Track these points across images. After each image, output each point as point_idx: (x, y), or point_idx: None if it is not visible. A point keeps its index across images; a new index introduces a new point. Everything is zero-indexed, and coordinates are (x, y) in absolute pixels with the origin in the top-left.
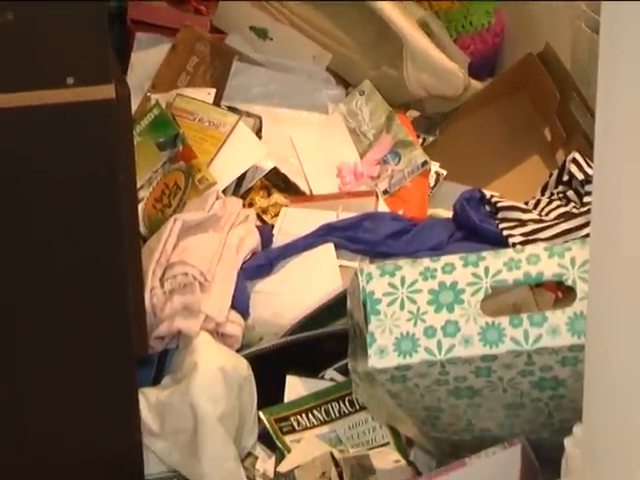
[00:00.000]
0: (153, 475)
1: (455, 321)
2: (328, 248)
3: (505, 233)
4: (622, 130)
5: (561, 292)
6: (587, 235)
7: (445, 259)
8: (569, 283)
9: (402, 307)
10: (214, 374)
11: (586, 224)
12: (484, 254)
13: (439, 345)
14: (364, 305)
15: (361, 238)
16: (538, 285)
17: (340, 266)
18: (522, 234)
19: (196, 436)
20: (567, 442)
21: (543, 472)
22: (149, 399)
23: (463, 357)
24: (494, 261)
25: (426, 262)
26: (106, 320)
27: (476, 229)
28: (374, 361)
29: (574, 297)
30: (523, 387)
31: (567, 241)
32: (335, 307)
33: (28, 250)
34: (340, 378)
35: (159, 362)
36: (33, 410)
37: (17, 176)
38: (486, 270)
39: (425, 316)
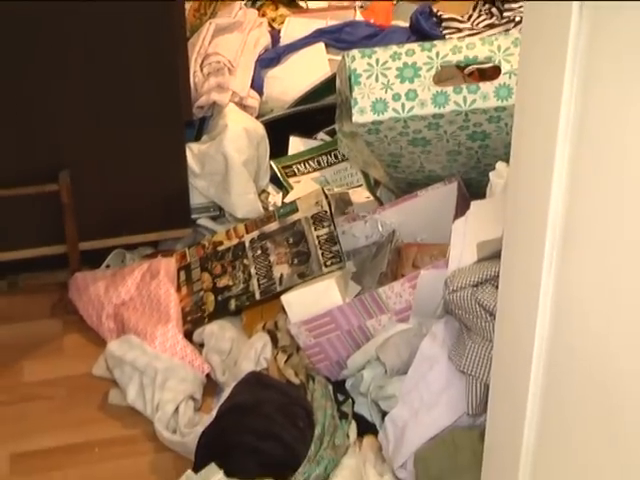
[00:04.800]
0: (196, 204)
1: (414, 89)
2: (320, 46)
3: (447, 37)
4: None
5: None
6: None
7: (408, 46)
8: (496, 63)
9: (377, 80)
10: (239, 132)
11: (506, 31)
12: (436, 42)
13: (402, 106)
14: (349, 78)
15: (344, 39)
16: (469, 75)
17: (329, 59)
18: (459, 38)
19: (227, 176)
20: (492, 175)
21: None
22: (193, 150)
23: (419, 115)
24: (443, 47)
25: (394, 48)
26: (164, 93)
27: (426, 34)
28: (357, 117)
29: (498, 76)
30: (461, 139)
31: None
32: (324, 88)
33: None
34: (328, 139)
35: (200, 125)
36: (114, 159)
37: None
38: (437, 54)
39: (393, 86)
